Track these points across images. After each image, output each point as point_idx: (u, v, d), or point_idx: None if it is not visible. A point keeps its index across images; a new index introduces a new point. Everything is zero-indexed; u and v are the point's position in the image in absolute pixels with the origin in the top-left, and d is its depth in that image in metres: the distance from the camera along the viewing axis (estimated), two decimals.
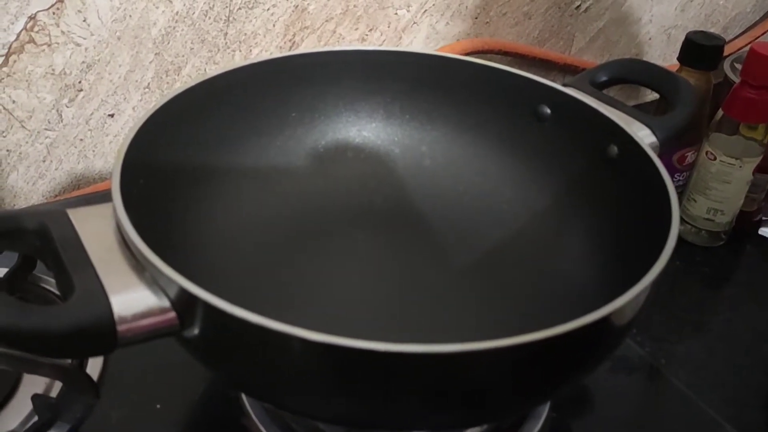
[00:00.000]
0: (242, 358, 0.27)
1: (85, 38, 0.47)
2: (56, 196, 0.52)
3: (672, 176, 0.51)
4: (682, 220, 0.52)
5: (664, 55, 0.71)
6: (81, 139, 0.51)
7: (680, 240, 0.52)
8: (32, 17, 0.45)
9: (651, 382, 0.41)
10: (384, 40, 0.57)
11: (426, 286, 0.39)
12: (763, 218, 0.55)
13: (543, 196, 0.41)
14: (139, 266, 0.27)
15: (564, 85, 0.40)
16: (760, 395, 0.41)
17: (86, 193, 0.51)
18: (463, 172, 0.43)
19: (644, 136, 0.36)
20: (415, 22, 0.57)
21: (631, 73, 0.42)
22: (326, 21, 0.54)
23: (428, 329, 0.36)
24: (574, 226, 0.39)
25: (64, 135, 0.50)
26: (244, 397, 0.36)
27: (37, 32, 0.46)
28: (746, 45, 0.71)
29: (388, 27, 0.57)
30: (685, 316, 0.47)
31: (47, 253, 0.28)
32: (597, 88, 0.40)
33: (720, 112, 0.49)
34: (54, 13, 0.46)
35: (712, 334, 0.46)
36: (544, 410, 0.36)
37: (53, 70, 0.47)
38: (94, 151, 0.51)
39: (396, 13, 0.56)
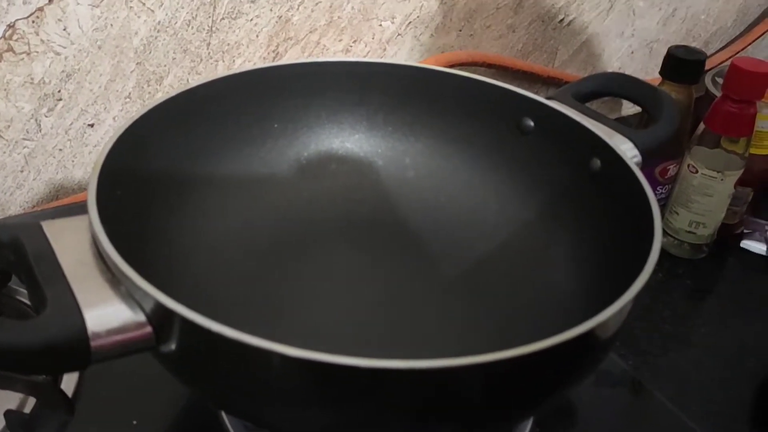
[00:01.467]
0: (220, 374, 0.26)
1: (65, 47, 0.46)
2: (34, 206, 0.51)
3: (654, 189, 0.52)
4: (665, 233, 0.53)
5: (646, 68, 0.72)
6: (60, 149, 0.50)
7: (663, 252, 0.52)
8: (11, 26, 0.44)
9: (634, 396, 0.41)
10: (368, 52, 0.57)
11: (410, 299, 0.38)
12: (745, 231, 0.55)
13: (527, 208, 0.41)
14: (115, 280, 0.26)
15: (547, 97, 0.40)
16: (744, 408, 0.41)
17: (65, 203, 0.50)
18: (446, 184, 0.43)
19: (627, 149, 0.36)
20: (399, 34, 0.57)
21: (613, 86, 0.42)
22: (310, 32, 0.54)
23: (412, 342, 0.36)
24: (558, 239, 0.39)
25: (42, 145, 0.49)
26: (223, 413, 0.35)
27: (16, 41, 0.45)
28: (727, 59, 0.72)
29: (373, 38, 0.57)
30: (668, 328, 0.47)
31: (20, 267, 0.28)
32: (580, 101, 0.40)
33: (701, 126, 0.49)
34: (33, 22, 0.45)
35: (695, 347, 0.46)
36: (528, 425, 0.36)
37: (32, 79, 0.47)
38: (73, 161, 0.51)
39: (380, 25, 0.56)
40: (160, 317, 0.25)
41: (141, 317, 0.25)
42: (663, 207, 0.53)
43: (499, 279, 0.39)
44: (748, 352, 0.45)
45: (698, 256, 0.52)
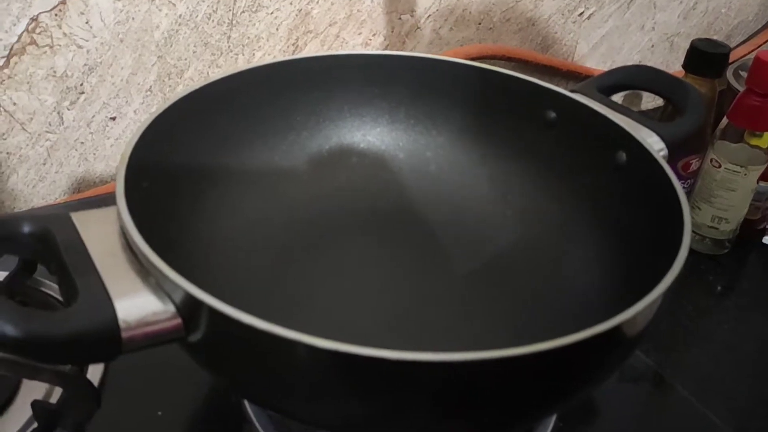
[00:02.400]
0: (247, 364, 0.26)
1: (87, 40, 0.47)
2: (56, 199, 0.51)
3: None
4: None
5: (667, 62, 0.72)
6: (82, 142, 0.50)
7: None
8: (34, 19, 0.45)
9: (657, 391, 0.41)
10: (387, 45, 0.57)
11: (431, 292, 0.38)
12: None
13: (550, 202, 0.40)
14: (144, 271, 0.27)
15: (571, 90, 0.40)
16: (766, 404, 0.41)
17: (86, 196, 0.51)
18: (468, 177, 0.43)
19: (653, 142, 0.36)
20: (418, 27, 0.57)
21: (638, 79, 0.41)
22: (330, 25, 0.54)
23: (433, 336, 0.36)
24: (581, 233, 0.38)
25: (64, 138, 0.49)
26: (246, 403, 0.35)
27: (38, 34, 0.45)
28: (749, 53, 0.71)
29: (392, 32, 0.56)
30: (690, 324, 0.46)
31: (50, 258, 0.28)
32: (604, 94, 0.40)
33: (725, 120, 0.49)
34: (56, 15, 0.45)
35: (717, 343, 0.45)
36: (551, 419, 0.36)
37: (55, 72, 0.47)
38: (94, 154, 0.51)
39: (400, 18, 0.56)
40: (190, 308, 0.25)
41: (171, 308, 0.26)
42: None
43: (521, 273, 0.39)
44: None
45: (720, 252, 0.52)
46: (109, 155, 0.52)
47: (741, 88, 0.48)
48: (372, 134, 0.44)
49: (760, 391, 0.42)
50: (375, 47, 0.56)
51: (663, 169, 0.33)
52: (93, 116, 0.50)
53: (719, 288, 0.50)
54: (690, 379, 0.41)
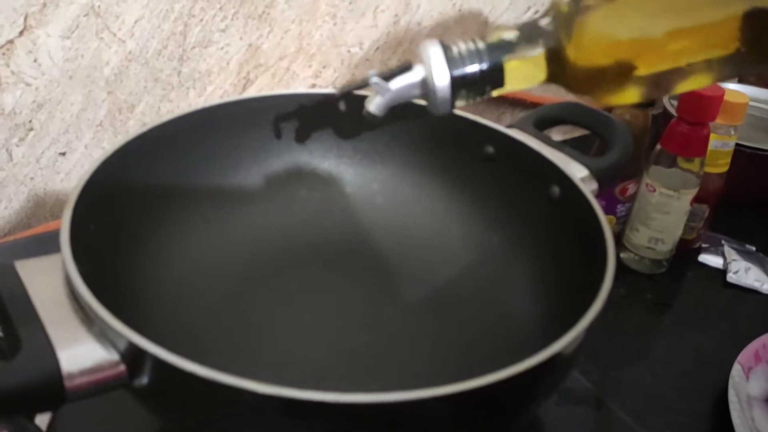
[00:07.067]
0: (192, 409, 0.27)
1: (35, 78, 0.47)
2: (6, 235, 0.51)
3: (615, 207, 0.54)
4: (625, 248, 0.55)
5: None
6: (32, 178, 0.50)
7: (624, 267, 0.54)
8: None
9: (597, 413, 0.42)
10: (337, 77, 0.58)
11: (380, 324, 0.39)
12: (703, 245, 0.57)
13: (491, 233, 0.42)
14: (88, 319, 0.27)
15: (508, 126, 0.42)
16: (704, 419, 0.43)
17: (38, 232, 0.51)
18: (414, 209, 0.44)
19: (583, 177, 0.38)
20: (367, 59, 0.59)
21: (570, 114, 0.43)
22: (280, 59, 0.55)
23: (380, 368, 0.37)
24: (521, 263, 0.40)
25: (14, 174, 0.49)
26: None
27: None
28: None
29: (342, 64, 0.58)
30: (630, 342, 0.48)
31: None
32: (539, 129, 0.42)
33: (658, 146, 0.51)
34: (4, 54, 0.45)
35: (655, 360, 0.47)
36: None
37: (3, 110, 0.47)
38: (45, 189, 0.51)
39: (349, 51, 0.58)
40: (133, 355, 0.26)
41: (114, 356, 0.26)
42: (624, 224, 0.55)
43: (464, 302, 0.40)
44: (706, 363, 0.47)
45: (658, 271, 0.54)
46: (59, 190, 0.52)
47: (675, 113, 0.50)
48: (321, 169, 0.45)
49: (697, 406, 0.44)
50: (325, 79, 0.58)
51: (590, 203, 0.35)
52: (42, 152, 0.50)
53: (657, 306, 0.52)
54: (629, 396, 0.43)
